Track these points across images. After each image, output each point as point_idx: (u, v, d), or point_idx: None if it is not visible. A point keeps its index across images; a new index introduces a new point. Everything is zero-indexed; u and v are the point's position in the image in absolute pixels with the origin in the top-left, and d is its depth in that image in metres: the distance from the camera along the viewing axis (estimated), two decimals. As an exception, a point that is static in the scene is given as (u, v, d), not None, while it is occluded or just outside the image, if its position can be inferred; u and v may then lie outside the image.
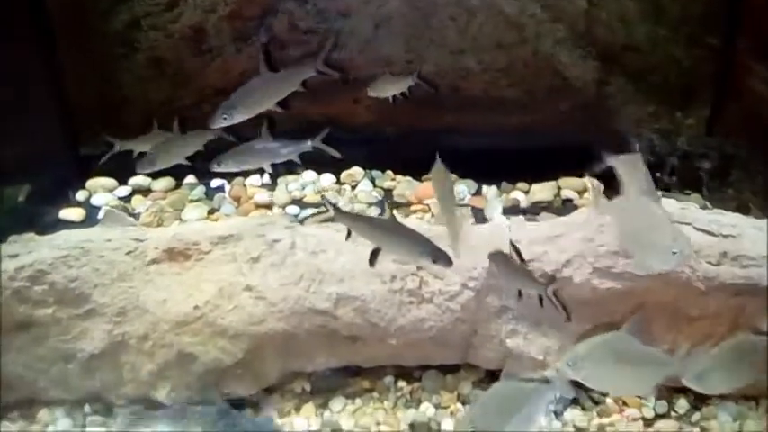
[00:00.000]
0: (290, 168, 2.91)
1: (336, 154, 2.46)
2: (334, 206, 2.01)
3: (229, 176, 2.96)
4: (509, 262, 2.01)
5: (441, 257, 1.86)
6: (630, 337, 1.94)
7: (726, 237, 2.12)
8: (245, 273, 2.07)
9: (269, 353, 2.09)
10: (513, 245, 2.02)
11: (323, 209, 1.95)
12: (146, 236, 2.13)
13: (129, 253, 2.09)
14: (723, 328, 2.13)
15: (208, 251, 2.11)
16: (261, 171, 2.98)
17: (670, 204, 2.27)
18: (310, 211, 2.72)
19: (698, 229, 2.15)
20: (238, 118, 2.29)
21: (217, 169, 2.35)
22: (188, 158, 2.53)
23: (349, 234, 1.96)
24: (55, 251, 2.02)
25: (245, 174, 2.98)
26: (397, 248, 1.95)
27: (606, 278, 2.12)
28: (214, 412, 1.90)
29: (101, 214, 2.62)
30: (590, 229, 2.17)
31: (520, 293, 2.02)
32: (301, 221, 2.41)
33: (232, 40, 2.79)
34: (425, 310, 2.13)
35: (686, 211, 2.21)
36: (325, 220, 2.01)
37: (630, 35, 2.87)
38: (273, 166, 2.78)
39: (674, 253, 1.81)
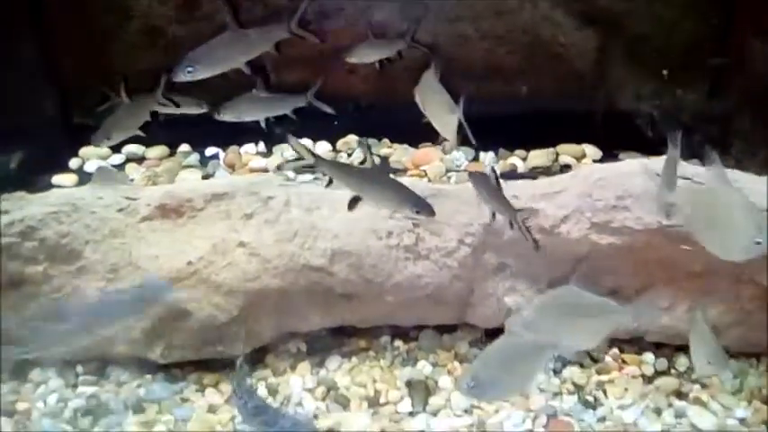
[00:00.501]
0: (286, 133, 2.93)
1: (329, 110, 2.43)
2: (315, 154, 1.98)
3: (224, 144, 2.94)
4: (487, 184, 2.02)
5: (423, 207, 1.85)
6: (580, 290, 1.87)
7: (727, 190, 2.08)
8: (239, 229, 2.04)
9: (264, 310, 2.06)
10: (493, 170, 2.04)
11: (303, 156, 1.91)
12: (138, 194, 2.10)
13: (120, 210, 2.06)
14: (725, 283, 2.10)
15: (201, 208, 2.08)
16: (256, 139, 2.96)
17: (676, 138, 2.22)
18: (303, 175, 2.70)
19: (697, 183, 2.12)
20: (202, 74, 2.22)
21: (217, 118, 2.34)
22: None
23: (330, 182, 1.93)
24: (45, 207, 2.00)
25: (240, 142, 2.95)
26: (378, 198, 1.92)
27: (605, 233, 2.10)
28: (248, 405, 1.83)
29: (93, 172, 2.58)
30: (588, 185, 2.14)
31: (494, 215, 2.05)
32: (279, 167, 2.35)
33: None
34: (422, 266, 2.11)
35: (684, 167, 2.17)
36: (306, 167, 1.97)
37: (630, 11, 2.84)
38: (269, 132, 2.77)
39: (758, 243, 1.69)
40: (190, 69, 2.19)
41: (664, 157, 2.29)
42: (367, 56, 2.62)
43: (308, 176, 2.45)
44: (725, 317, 2.11)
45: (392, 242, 2.09)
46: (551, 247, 2.12)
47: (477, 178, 2.02)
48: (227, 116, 2.38)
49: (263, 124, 2.56)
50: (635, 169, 2.19)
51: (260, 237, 2.04)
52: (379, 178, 1.92)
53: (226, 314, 2.01)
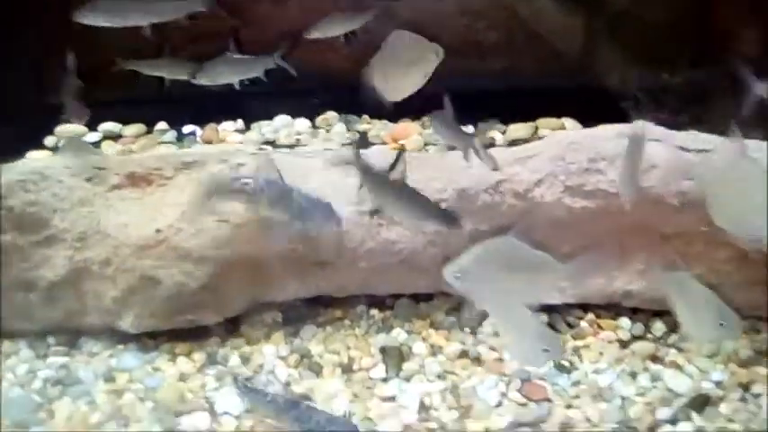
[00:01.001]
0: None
1: (293, 72, 2.41)
2: (357, 155, 1.96)
3: (202, 122, 2.93)
4: (445, 120, 2.04)
5: (448, 220, 1.84)
6: (518, 242, 1.79)
7: (700, 152, 2.08)
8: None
9: (235, 278, 2.05)
10: (447, 101, 2.02)
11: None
12: (107, 163, 2.08)
13: (89, 179, 2.04)
14: (698, 246, 2.09)
15: (171, 176, 2.06)
16: (234, 116, 2.95)
17: (638, 124, 2.22)
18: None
19: (671, 146, 2.11)
20: (99, 22, 2.30)
21: (195, 82, 2.40)
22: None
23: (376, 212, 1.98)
24: (12, 175, 1.98)
25: (219, 119, 2.94)
26: (401, 212, 1.90)
27: (578, 197, 2.09)
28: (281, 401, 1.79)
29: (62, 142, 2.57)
30: (561, 148, 2.12)
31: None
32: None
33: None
34: (395, 232, 2.09)
35: (658, 128, 2.16)
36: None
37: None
38: (247, 110, 2.76)
39: None
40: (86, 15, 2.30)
41: (638, 123, 2.29)
42: (329, 30, 2.59)
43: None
44: (701, 279, 2.09)
45: (365, 208, 2.08)
46: (526, 212, 2.11)
47: (436, 115, 2.03)
48: (203, 80, 2.40)
49: (237, 86, 2.53)
50: (608, 133, 2.17)
51: (230, 204, 2.02)
52: (402, 191, 1.87)
53: (196, 281, 1.99)
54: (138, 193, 2.04)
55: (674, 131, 2.16)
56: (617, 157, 2.08)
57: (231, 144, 2.72)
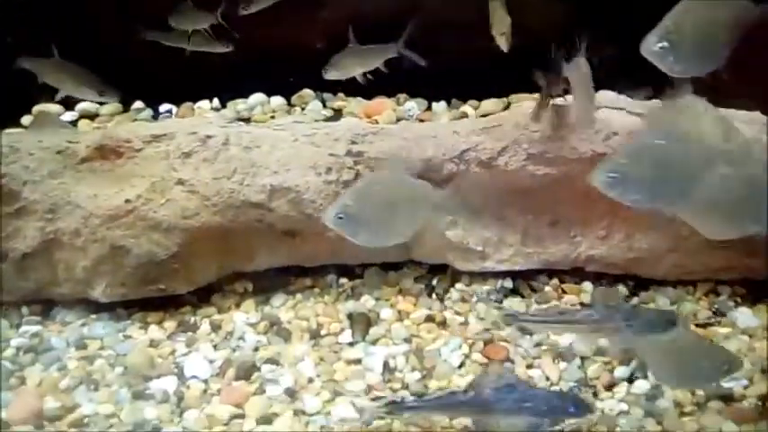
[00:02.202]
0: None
1: (421, 61, 2.44)
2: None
3: (177, 101, 2.95)
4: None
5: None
6: (397, 175, 1.80)
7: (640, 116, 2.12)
8: (178, 168, 2.07)
9: (205, 248, 2.09)
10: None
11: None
12: (78, 138, 2.12)
13: (60, 152, 2.08)
14: (658, 210, 2.13)
15: (140, 149, 2.10)
16: (211, 96, 2.98)
17: (606, 95, 2.26)
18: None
19: (630, 113, 2.15)
20: None
21: (325, 76, 2.44)
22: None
23: None
24: (-18, 149, 2.01)
25: (195, 98, 2.96)
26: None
27: (541, 164, 2.13)
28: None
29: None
30: (523, 117, 2.16)
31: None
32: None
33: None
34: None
35: (619, 98, 2.21)
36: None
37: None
38: (224, 88, 2.78)
39: None
40: None
41: (601, 92, 2.33)
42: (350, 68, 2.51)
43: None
44: (660, 243, 2.14)
45: (331, 177, 2.12)
46: (490, 179, 2.15)
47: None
48: (332, 74, 2.44)
49: (361, 80, 2.55)
50: (570, 103, 2.21)
51: (198, 174, 2.06)
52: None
53: (165, 250, 2.03)
54: (108, 165, 2.08)
55: (633, 100, 2.21)
56: (578, 124, 2.13)
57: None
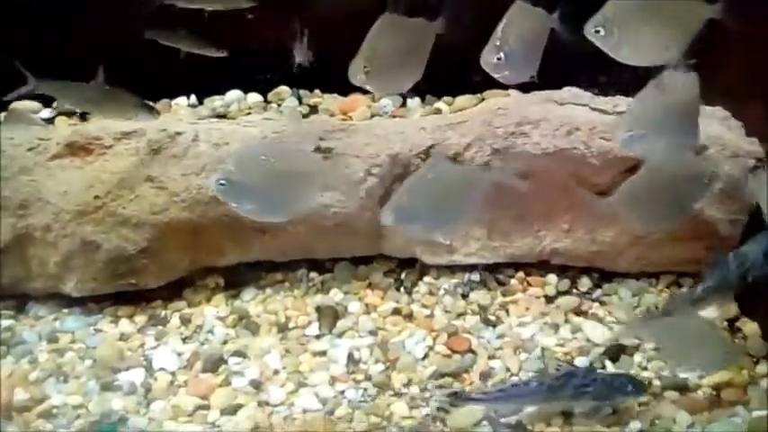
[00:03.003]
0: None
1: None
2: None
3: (155, 98, 2.98)
4: None
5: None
6: (443, 165, 1.85)
7: (619, 114, 2.16)
8: (147, 164, 2.10)
9: (175, 243, 2.12)
10: None
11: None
12: (49, 134, 2.15)
13: (31, 149, 2.11)
14: (621, 204, 2.18)
15: (110, 146, 2.13)
16: (188, 92, 3.01)
17: (570, 90, 2.30)
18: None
19: (593, 109, 2.19)
20: None
21: None
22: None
23: None
24: (-47, 146, 2.04)
25: (172, 95, 2.99)
26: None
27: (506, 159, 2.16)
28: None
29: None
30: (489, 113, 2.20)
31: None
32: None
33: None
34: (329, 197, 2.17)
35: (583, 95, 2.25)
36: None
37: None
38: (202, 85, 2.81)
39: None
40: None
41: (566, 89, 2.36)
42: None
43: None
44: (622, 237, 2.18)
45: (299, 173, 2.15)
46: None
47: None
48: None
49: None
50: (535, 99, 2.26)
51: (167, 171, 2.10)
52: None
53: (134, 245, 2.07)
54: (78, 162, 2.11)
55: (596, 96, 2.25)
56: (542, 121, 2.17)
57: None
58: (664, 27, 1.63)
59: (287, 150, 1.78)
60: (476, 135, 2.18)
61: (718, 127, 2.17)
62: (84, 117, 2.75)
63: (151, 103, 2.44)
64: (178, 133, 2.15)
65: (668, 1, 1.64)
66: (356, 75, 1.73)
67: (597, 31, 1.61)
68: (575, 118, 2.16)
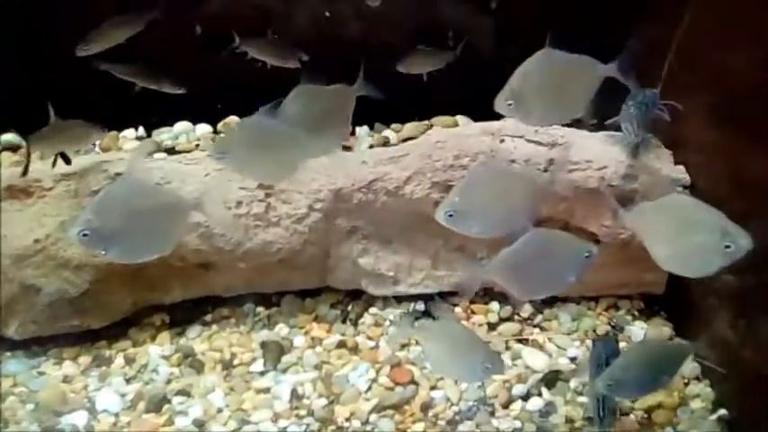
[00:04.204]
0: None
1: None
2: None
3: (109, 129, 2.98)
4: None
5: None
6: (497, 167, 1.89)
7: (553, 146, 2.23)
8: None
9: (117, 283, 2.13)
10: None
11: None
12: (-14, 178, 2.14)
13: (-31, 194, 2.10)
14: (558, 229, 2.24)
15: (50, 188, 2.13)
16: (136, 124, 3.01)
17: (508, 122, 2.36)
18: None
19: (529, 141, 2.26)
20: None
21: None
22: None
23: None
24: None
25: (120, 126, 2.99)
26: None
27: (445, 191, 2.20)
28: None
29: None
30: (428, 147, 2.25)
31: None
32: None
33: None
34: (272, 233, 2.19)
35: (519, 126, 2.30)
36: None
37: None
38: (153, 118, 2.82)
39: (728, 247, 1.54)
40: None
41: (505, 120, 2.43)
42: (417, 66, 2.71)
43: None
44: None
45: (241, 211, 2.18)
46: (397, 208, 2.23)
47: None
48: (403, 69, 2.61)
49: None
50: (472, 131, 2.32)
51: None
52: None
53: (76, 288, 2.07)
54: (18, 205, 2.11)
55: (531, 127, 2.32)
56: (479, 154, 2.23)
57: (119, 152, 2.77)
58: (566, 90, 1.72)
59: (145, 187, 1.74)
60: (416, 168, 2.23)
61: (647, 155, 2.25)
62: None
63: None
64: (118, 174, 2.15)
65: (567, 68, 1.73)
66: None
67: (509, 105, 1.69)
68: (511, 150, 2.22)
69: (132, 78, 2.72)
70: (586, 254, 1.68)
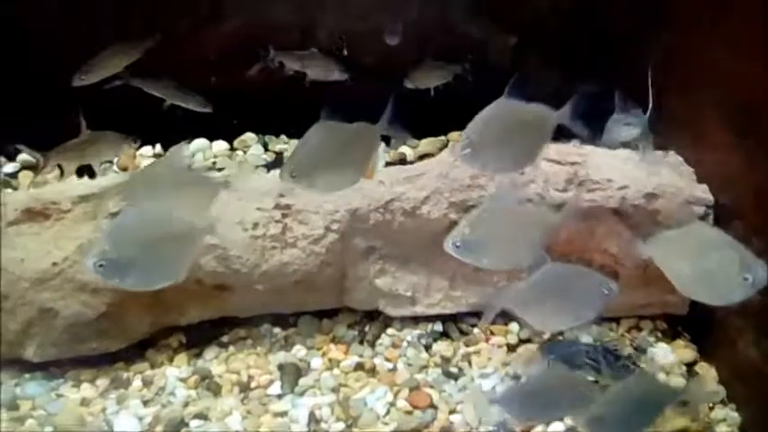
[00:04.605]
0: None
1: None
2: None
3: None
4: None
5: None
6: (510, 202, 1.88)
7: (572, 164, 2.20)
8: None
9: (135, 305, 2.12)
10: None
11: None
12: (5, 199, 2.15)
13: (-12, 216, 2.11)
14: (576, 253, 2.21)
15: (68, 210, 2.13)
16: (153, 141, 3.02)
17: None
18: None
19: (547, 160, 2.23)
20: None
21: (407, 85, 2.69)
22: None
23: None
24: None
25: (138, 145, 3.00)
26: None
27: (462, 211, 2.19)
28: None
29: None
30: (445, 166, 2.23)
31: None
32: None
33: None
34: (289, 254, 2.18)
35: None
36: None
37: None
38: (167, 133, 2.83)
39: (747, 279, 1.57)
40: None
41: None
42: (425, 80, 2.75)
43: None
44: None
45: (258, 233, 2.17)
46: (414, 228, 2.21)
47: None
48: (411, 83, 2.68)
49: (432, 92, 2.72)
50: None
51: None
52: None
53: (94, 311, 2.07)
54: (35, 228, 2.11)
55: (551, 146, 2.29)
56: (494, 181, 2.20)
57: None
58: (521, 138, 1.77)
59: (157, 214, 1.74)
60: (433, 188, 2.21)
61: (670, 174, 2.21)
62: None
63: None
64: (136, 195, 2.15)
65: (521, 116, 1.77)
66: (283, 177, 1.78)
67: (466, 153, 1.73)
68: (528, 169, 2.19)
69: (162, 94, 2.75)
70: (606, 290, 1.67)
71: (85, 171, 2.59)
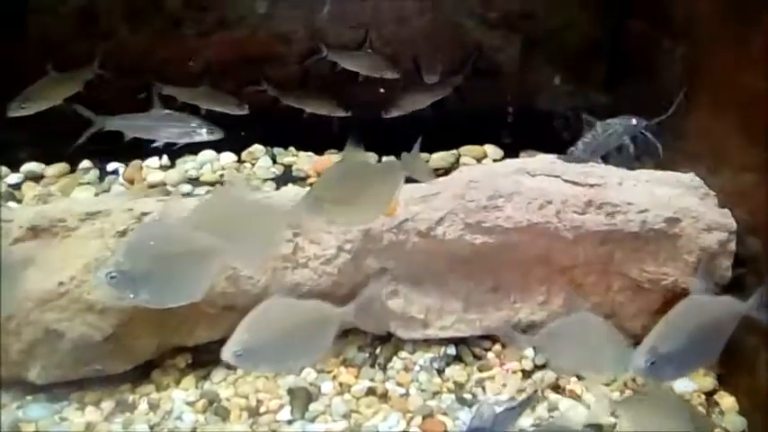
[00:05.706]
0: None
1: None
2: None
3: (126, 159, 2.94)
4: None
5: None
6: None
7: (592, 186, 2.15)
8: (112, 247, 2.05)
9: (142, 327, 2.07)
10: None
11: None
12: (10, 215, 2.10)
13: (-7, 233, 2.05)
14: (594, 276, 2.16)
15: (74, 227, 2.08)
16: (160, 152, 2.96)
17: (541, 159, 2.30)
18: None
19: (566, 181, 2.18)
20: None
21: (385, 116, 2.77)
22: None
23: None
24: None
25: (144, 156, 2.95)
26: None
27: (478, 233, 2.14)
28: None
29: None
30: (461, 186, 2.18)
31: None
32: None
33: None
34: (300, 274, 2.13)
35: (555, 165, 2.24)
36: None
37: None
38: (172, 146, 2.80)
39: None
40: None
41: (540, 156, 2.37)
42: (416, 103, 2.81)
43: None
44: (597, 310, 2.16)
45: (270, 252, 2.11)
46: (429, 249, 2.16)
47: None
48: (393, 113, 2.74)
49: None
50: (506, 170, 2.25)
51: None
52: None
53: (100, 333, 2.01)
54: (41, 246, 2.06)
55: (569, 165, 2.24)
56: (514, 194, 2.15)
57: (153, 184, 2.74)
58: (367, 193, 1.82)
59: (177, 230, 1.67)
60: (448, 209, 2.16)
61: (690, 198, 2.16)
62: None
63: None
64: (144, 213, 2.10)
65: (367, 172, 1.84)
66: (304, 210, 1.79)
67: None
68: (547, 191, 2.15)
69: (196, 102, 2.74)
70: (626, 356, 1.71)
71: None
